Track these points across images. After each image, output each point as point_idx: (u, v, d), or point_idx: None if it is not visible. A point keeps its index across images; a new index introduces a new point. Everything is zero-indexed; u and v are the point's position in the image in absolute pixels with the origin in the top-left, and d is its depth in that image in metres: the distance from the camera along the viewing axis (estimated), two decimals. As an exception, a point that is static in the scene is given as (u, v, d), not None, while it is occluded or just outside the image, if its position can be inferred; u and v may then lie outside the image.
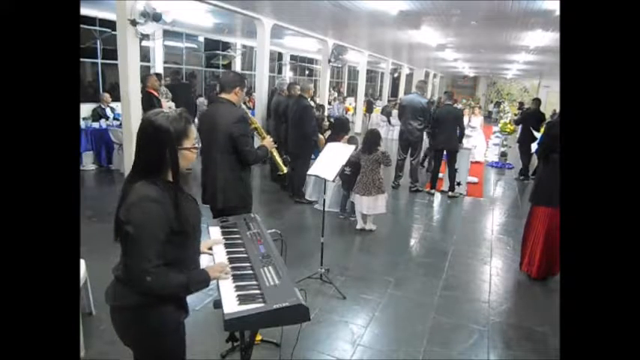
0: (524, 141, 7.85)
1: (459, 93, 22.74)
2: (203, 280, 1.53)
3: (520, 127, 8.68)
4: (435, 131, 6.54)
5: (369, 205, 4.67)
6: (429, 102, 6.67)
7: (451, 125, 6.31)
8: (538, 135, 6.63)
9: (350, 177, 4.94)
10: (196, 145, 1.54)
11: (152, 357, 1.58)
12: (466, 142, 7.07)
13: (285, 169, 3.25)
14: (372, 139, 4.79)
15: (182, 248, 1.49)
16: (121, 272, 1.48)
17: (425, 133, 6.89)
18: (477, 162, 8.74)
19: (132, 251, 1.40)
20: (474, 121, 10.41)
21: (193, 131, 1.51)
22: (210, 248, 1.84)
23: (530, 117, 8.05)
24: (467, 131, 7.74)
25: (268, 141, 2.94)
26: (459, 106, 9.56)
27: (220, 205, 2.76)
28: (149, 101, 5.69)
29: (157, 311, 1.47)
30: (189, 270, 1.52)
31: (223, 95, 2.77)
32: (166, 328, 1.51)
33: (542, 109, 8.34)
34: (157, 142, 1.42)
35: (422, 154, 7.53)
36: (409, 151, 6.72)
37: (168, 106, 6.10)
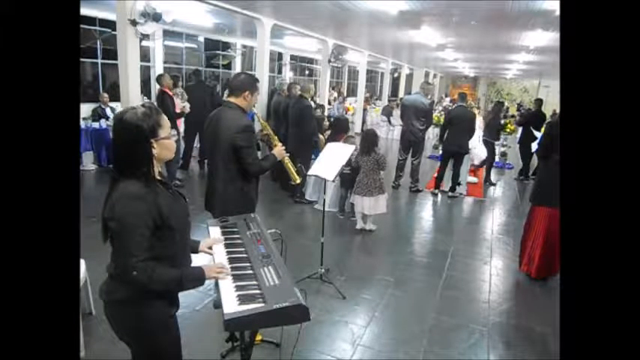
0: (525, 141, 7.83)
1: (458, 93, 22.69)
2: (198, 278, 1.54)
3: (521, 127, 8.66)
4: (446, 133, 6.44)
5: (371, 206, 4.66)
6: (432, 103, 6.66)
7: (464, 127, 6.24)
8: (539, 135, 6.64)
9: (348, 177, 4.93)
10: (173, 133, 1.57)
11: (144, 350, 1.60)
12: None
13: (298, 179, 2.99)
14: (369, 139, 4.77)
15: (169, 243, 1.50)
16: (112, 268, 1.51)
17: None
18: (477, 166, 8.58)
19: (117, 247, 1.44)
20: None
21: (166, 120, 1.53)
22: (211, 248, 1.84)
23: (531, 117, 8.07)
24: None
25: (279, 149, 2.75)
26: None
27: (218, 214, 2.65)
28: (162, 100, 5.70)
29: (144, 305, 1.50)
30: (180, 265, 1.54)
31: (231, 99, 2.60)
32: (155, 322, 1.54)
33: (542, 109, 8.35)
34: (130, 139, 1.44)
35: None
36: (411, 152, 6.72)
37: (182, 106, 6.09)
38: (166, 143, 1.51)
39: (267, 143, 2.92)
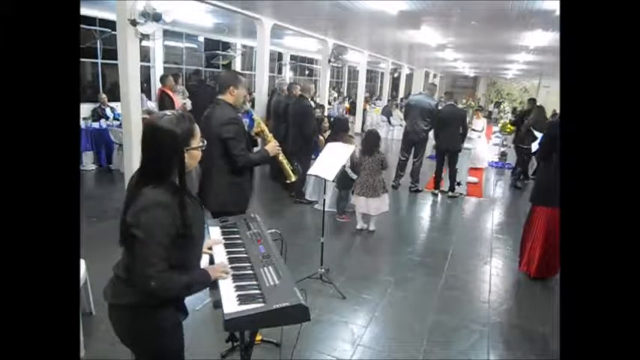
0: (520, 142, 7.88)
1: (459, 93, 22.73)
2: (205, 280, 1.54)
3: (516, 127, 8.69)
4: (439, 132, 6.47)
5: (376, 206, 4.65)
6: (437, 104, 6.66)
7: (454, 125, 6.28)
8: (538, 134, 6.65)
9: (342, 177, 4.91)
10: (201, 144, 1.53)
11: (149, 357, 1.58)
12: (466, 143, 7.04)
13: (293, 178, 3.00)
14: (371, 140, 4.75)
15: (186, 251, 1.49)
16: (121, 271, 1.48)
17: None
18: (477, 168, 8.40)
19: (138, 256, 1.38)
20: (476, 124, 9.52)
21: (198, 130, 1.51)
22: (211, 248, 1.85)
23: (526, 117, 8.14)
24: (469, 134, 7.60)
25: (271, 146, 2.79)
26: (460, 106, 9.49)
27: (212, 208, 2.73)
28: (161, 100, 5.75)
29: (154, 312, 1.48)
30: (191, 271, 1.52)
31: (220, 96, 2.74)
32: (164, 329, 1.52)
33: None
34: (164, 146, 1.40)
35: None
36: (412, 152, 6.71)
37: (182, 102, 6.06)
38: (195, 154, 1.50)
39: (263, 139, 2.96)
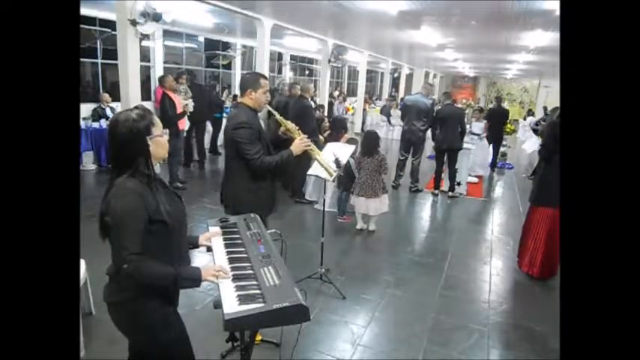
0: (490, 136, 8.65)
1: (459, 93, 22.75)
2: (194, 278, 1.54)
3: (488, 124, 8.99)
4: (438, 131, 6.48)
5: (376, 207, 4.65)
6: (433, 103, 6.67)
7: (453, 124, 6.28)
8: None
9: (344, 178, 4.90)
10: (165, 131, 1.62)
11: (149, 350, 1.62)
12: (465, 144, 7.01)
13: (333, 174, 2.80)
14: (371, 141, 4.74)
15: (163, 239, 1.52)
16: (111, 270, 1.54)
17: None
18: (478, 175, 8.02)
19: (112, 242, 1.47)
20: (474, 127, 8.78)
21: (158, 120, 1.59)
22: (211, 247, 1.86)
23: (494, 114, 8.81)
24: (467, 138, 7.48)
25: (296, 143, 2.59)
26: (459, 105, 9.58)
27: (230, 210, 2.67)
28: (163, 102, 5.68)
29: (142, 305, 1.52)
30: (175, 263, 1.55)
31: (240, 99, 2.68)
32: (153, 322, 1.55)
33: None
34: (125, 139, 1.49)
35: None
36: (411, 151, 6.71)
37: (184, 103, 5.98)
38: (159, 141, 1.56)
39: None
